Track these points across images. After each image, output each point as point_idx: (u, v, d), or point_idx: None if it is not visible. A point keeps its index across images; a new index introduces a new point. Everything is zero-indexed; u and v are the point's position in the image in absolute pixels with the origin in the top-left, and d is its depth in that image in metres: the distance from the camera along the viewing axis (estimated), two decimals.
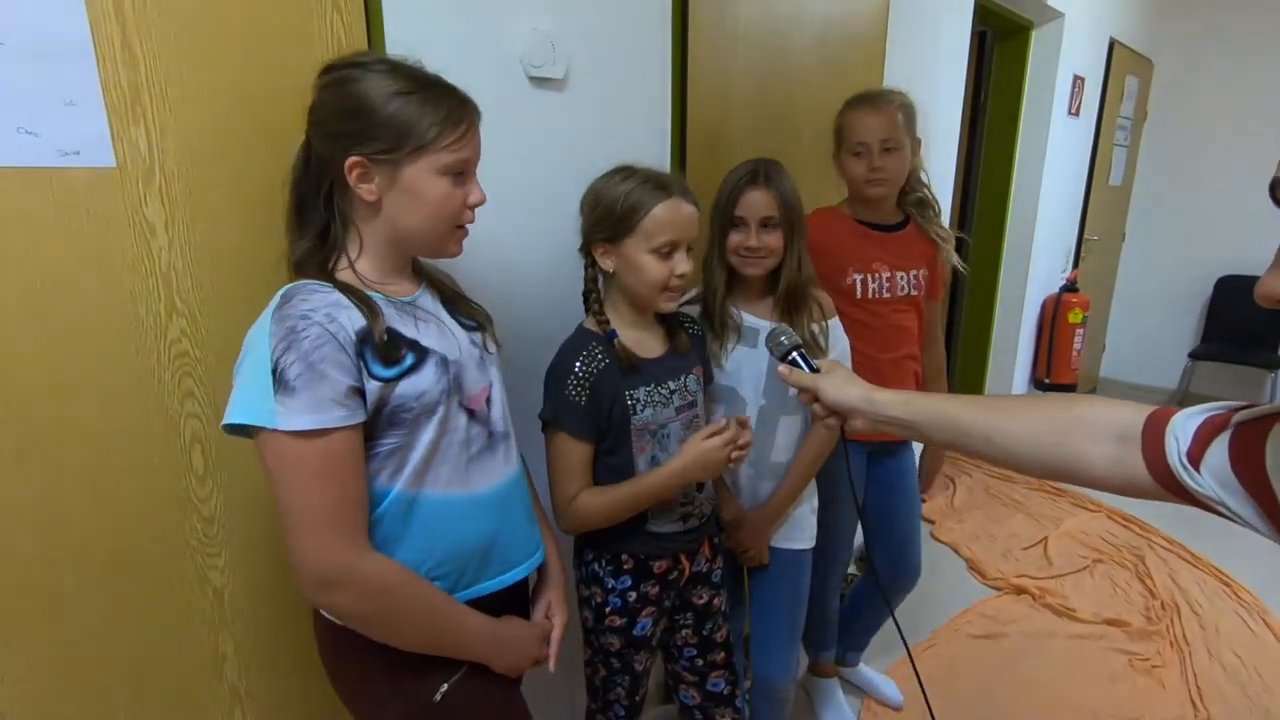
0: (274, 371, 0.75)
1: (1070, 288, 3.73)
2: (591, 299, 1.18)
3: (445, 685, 0.91)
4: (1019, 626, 2.31)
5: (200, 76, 0.90)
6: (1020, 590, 2.49)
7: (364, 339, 0.80)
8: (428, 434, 0.86)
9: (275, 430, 0.75)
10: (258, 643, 1.08)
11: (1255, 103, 4.08)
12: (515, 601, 1.04)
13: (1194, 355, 4.22)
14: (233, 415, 0.77)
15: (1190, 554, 2.71)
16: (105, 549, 0.93)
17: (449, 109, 0.84)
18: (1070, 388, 3.78)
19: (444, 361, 0.88)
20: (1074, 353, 3.71)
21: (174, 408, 0.95)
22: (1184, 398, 4.21)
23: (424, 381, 0.85)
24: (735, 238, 1.30)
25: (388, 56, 0.87)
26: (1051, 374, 3.77)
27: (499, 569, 0.97)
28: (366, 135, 0.82)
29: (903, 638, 1.12)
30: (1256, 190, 4.08)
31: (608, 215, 1.10)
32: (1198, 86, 4.24)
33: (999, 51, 3.34)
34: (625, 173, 1.12)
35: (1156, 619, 2.34)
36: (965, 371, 3.77)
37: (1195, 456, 0.65)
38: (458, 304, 1.00)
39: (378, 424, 0.83)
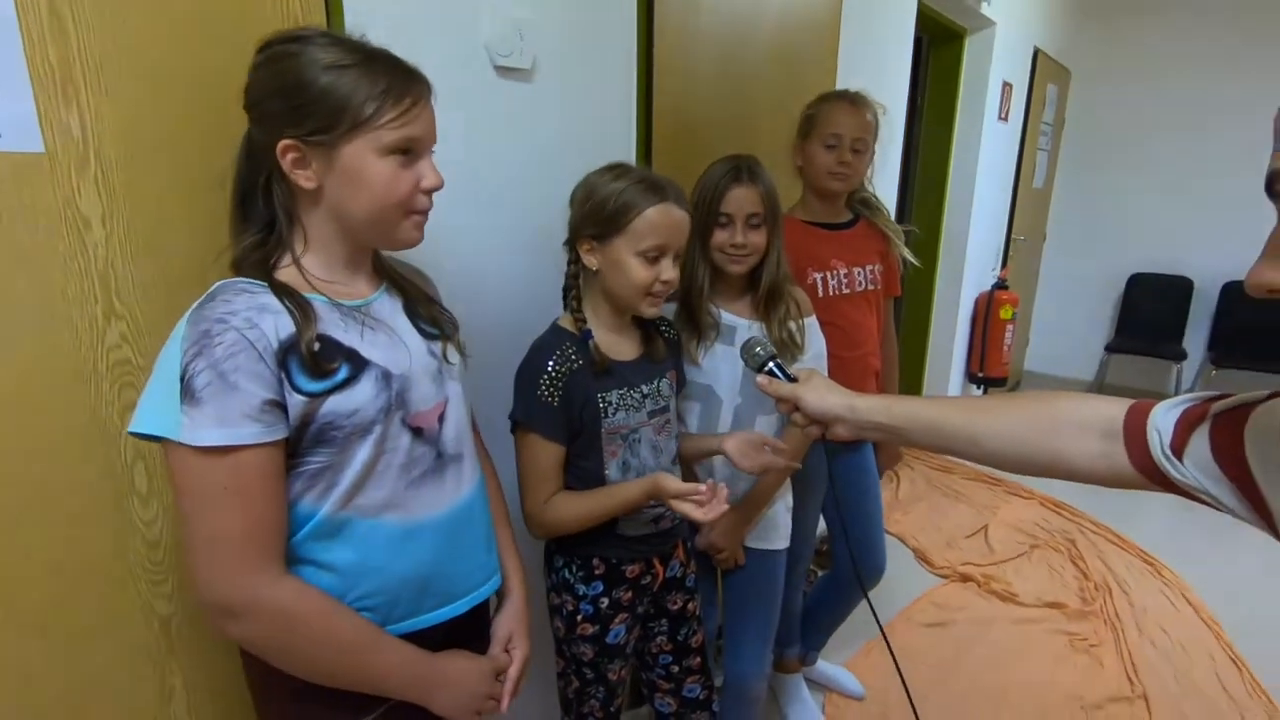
0: (182, 378, 0.68)
1: (1001, 285, 3.90)
2: (570, 295, 1.14)
3: None
4: (967, 613, 2.39)
5: (141, 53, 0.81)
6: (966, 578, 2.58)
7: (289, 347, 0.73)
8: (362, 454, 0.78)
9: (180, 443, 0.68)
10: (208, 676, 0.99)
11: (1163, 112, 4.35)
12: (471, 633, 0.95)
13: (1109, 348, 4.49)
14: (137, 422, 0.70)
15: (1117, 536, 2.87)
16: (37, 577, 0.83)
17: (389, 82, 0.75)
18: (1002, 381, 3.95)
19: (385, 376, 0.80)
20: (1005, 348, 3.88)
21: (114, 421, 0.85)
22: (1100, 388, 4.47)
23: (358, 398, 0.77)
24: (720, 235, 1.28)
25: (328, 30, 0.79)
26: (985, 368, 3.93)
27: (437, 601, 0.89)
28: (299, 115, 0.74)
29: (880, 628, 1.13)
30: (1163, 194, 4.40)
31: (598, 212, 1.07)
32: (1110, 95, 4.50)
33: (934, 57, 3.45)
34: (620, 170, 1.09)
35: (1091, 599, 2.47)
36: (904, 368, 3.87)
37: (1178, 448, 0.68)
38: (422, 308, 0.91)
39: (303, 441, 0.75)
